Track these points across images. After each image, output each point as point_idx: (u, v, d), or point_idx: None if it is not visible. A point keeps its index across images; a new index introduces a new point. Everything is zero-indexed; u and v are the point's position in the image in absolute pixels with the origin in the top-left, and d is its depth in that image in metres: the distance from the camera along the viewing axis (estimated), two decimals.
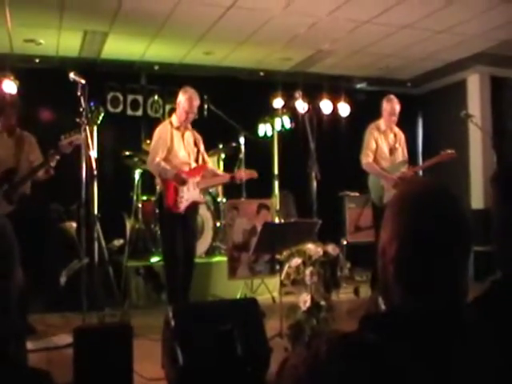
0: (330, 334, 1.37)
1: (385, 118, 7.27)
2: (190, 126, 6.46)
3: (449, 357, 1.30)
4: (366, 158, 7.19)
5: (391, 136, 7.29)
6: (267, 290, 7.39)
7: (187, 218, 6.27)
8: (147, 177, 8.28)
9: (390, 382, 1.27)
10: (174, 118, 6.42)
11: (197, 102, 6.35)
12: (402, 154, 7.33)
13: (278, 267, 6.69)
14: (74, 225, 6.88)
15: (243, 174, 6.70)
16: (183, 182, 6.15)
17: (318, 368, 1.32)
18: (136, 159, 8.09)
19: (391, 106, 7.20)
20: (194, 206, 6.38)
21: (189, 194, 6.22)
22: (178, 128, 6.35)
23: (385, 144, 7.25)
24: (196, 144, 6.51)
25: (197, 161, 6.51)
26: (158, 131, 6.36)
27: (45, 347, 5.16)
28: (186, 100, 6.28)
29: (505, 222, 1.71)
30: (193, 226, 6.51)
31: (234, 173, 6.79)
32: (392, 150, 7.25)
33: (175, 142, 6.30)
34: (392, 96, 7.31)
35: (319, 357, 1.32)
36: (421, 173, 7.61)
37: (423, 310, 1.35)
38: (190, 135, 6.46)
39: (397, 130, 7.39)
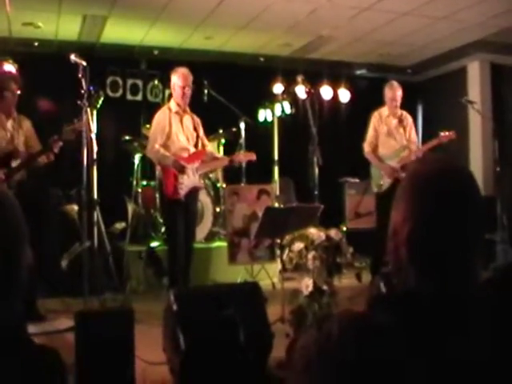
0: (341, 314, 1.36)
1: (387, 104, 7.32)
2: (188, 109, 6.40)
3: (457, 341, 1.29)
4: (366, 147, 7.33)
5: (394, 121, 7.29)
6: (267, 275, 7.38)
7: (188, 204, 6.22)
8: (147, 162, 8.25)
9: (400, 363, 1.26)
10: (172, 103, 6.36)
11: (190, 77, 6.29)
12: (406, 137, 7.31)
13: (278, 253, 6.71)
14: (76, 208, 6.87)
15: (242, 156, 6.74)
16: (182, 169, 6.11)
17: (329, 349, 1.31)
18: (136, 144, 8.07)
19: (393, 92, 7.23)
20: (194, 192, 6.34)
21: (188, 180, 6.17)
22: (176, 112, 6.29)
23: (386, 130, 7.28)
24: (195, 128, 6.45)
25: (196, 145, 6.45)
26: (157, 117, 6.32)
27: (45, 331, 5.14)
28: (178, 77, 6.25)
29: None
30: (193, 211, 6.47)
31: (233, 156, 6.76)
32: (394, 135, 7.26)
33: (174, 128, 6.24)
34: (393, 82, 7.34)
35: (331, 338, 1.31)
36: None
37: (436, 292, 1.34)
38: (188, 119, 6.39)
39: (402, 113, 7.40)
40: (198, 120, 6.51)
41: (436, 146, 7.19)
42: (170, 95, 9.33)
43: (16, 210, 1.46)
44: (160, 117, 6.29)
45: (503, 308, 1.40)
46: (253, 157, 6.59)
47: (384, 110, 7.35)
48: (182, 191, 6.11)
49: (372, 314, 1.36)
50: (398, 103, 7.27)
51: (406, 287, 1.39)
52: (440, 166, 1.45)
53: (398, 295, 1.42)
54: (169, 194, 6.12)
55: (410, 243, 1.37)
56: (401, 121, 7.34)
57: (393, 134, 7.27)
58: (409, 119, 7.43)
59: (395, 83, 7.31)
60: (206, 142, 6.63)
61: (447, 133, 7.18)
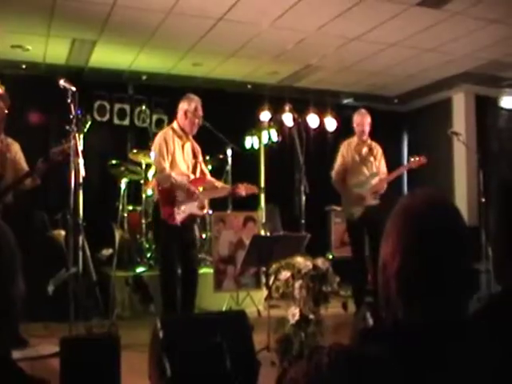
0: (331, 346, 1.36)
1: (356, 131, 7.36)
2: (191, 137, 6.28)
3: (449, 371, 1.30)
4: (334, 176, 7.35)
5: (364, 149, 7.33)
6: (253, 302, 7.37)
7: (184, 231, 6.03)
8: (133, 186, 8.25)
9: None
10: (176, 125, 6.21)
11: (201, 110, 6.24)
12: (376, 167, 7.36)
13: (264, 280, 6.67)
14: (63, 233, 6.82)
15: (244, 188, 6.31)
16: (192, 195, 5.99)
17: (319, 381, 1.31)
18: (122, 168, 8.05)
19: (361, 117, 7.32)
20: (191, 219, 6.16)
21: (186, 206, 6.00)
22: (180, 137, 6.15)
23: (357, 158, 7.29)
24: (195, 155, 6.33)
25: (194, 172, 6.30)
26: (163, 135, 6.13)
27: (28, 356, 5.07)
28: (194, 108, 6.15)
29: (505, 236, 1.71)
30: (191, 238, 6.26)
31: (235, 186, 6.45)
32: (365, 163, 7.28)
33: (176, 151, 6.09)
34: (362, 109, 7.44)
35: (321, 370, 1.31)
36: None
37: (426, 324, 1.35)
38: (189, 146, 6.26)
39: (372, 143, 7.43)
40: (198, 147, 6.38)
41: (407, 170, 7.30)
42: (158, 120, 9.44)
43: (9, 239, 1.44)
44: (166, 136, 6.10)
45: (494, 339, 1.42)
46: (255, 190, 6.44)
47: (353, 140, 7.39)
48: (179, 216, 5.93)
49: (361, 345, 1.37)
50: (366, 129, 7.30)
51: (395, 319, 1.39)
52: (429, 201, 1.47)
53: (387, 327, 1.43)
54: (165, 219, 5.93)
55: (399, 277, 1.38)
56: (371, 150, 7.37)
57: (364, 162, 7.29)
58: (379, 150, 7.45)
59: (364, 110, 7.39)
60: (205, 169, 6.50)
61: (417, 158, 7.26)
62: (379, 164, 7.40)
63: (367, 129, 7.32)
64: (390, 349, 1.31)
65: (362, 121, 7.28)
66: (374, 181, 7.23)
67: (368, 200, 7.10)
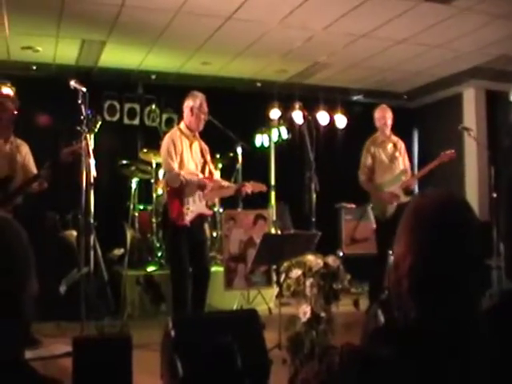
0: (342, 347, 1.36)
1: (379, 126, 7.36)
2: (197, 135, 6.28)
3: (462, 369, 1.30)
4: (361, 176, 7.28)
5: (390, 146, 7.32)
6: (264, 300, 7.38)
7: (194, 230, 6.01)
8: (144, 186, 8.27)
9: None
10: (183, 126, 6.22)
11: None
12: (402, 162, 7.35)
13: (274, 278, 6.67)
14: (74, 233, 6.85)
15: (251, 186, 6.27)
16: (205, 187, 6.03)
17: (331, 381, 1.32)
18: (133, 168, 8.08)
19: (382, 111, 7.34)
20: (200, 218, 6.15)
21: (194, 205, 5.99)
22: (187, 137, 6.15)
23: (383, 155, 7.27)
24: (203, 154, 6.32)
25: (203, 172, 6.29)
26: (170, 136, 6.13)
27: (40, 356, 5.09)
28: (200, 104, 6.14)
29: None
30: (201, 238, 6.24)
31: (241, 184, 6.44)
32: (392, 160, 7.27)
33: (184, 151, 6.10)
34: (383, 105, 7.44)
35: (332, 371, 1.32)
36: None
37: (438, 325, 1.35)
38: (197, 145, 6.26)
39: (396, 139, 7.44)
40: (206, 147, 6.36)
41: (438, 165, 7.24)
42: (168, 119, 9.44)
43: (22, 239, 1.45)
44: (173, 136, 6.11)
45: (506, 336, 1.42)
46: (263, 188, 6.39)
47: (377, 136, 7.38)
48: (188, 217, 5.92)
49: (373, 346, 1.37)
50: (388, 123, 7.31)
51: (406, 320, 1.40)
52: (441, 200, 1.47)
53: (398, 328, 1.43)
54: (174, 219, 5.92)
55: (411, 276, 1.39)
56: (395, 146, 7.37)
57: (392, 159, 7.28)
58: (402, 145, 7.46)
59: (384, 105, 7.42)
60: (213, 169, 6.48)
61: (447, 151, 7.24)
62: (403, 160, 7.40)
63: (389, 122, 7.32)
64: (401, 349, 1.31)
65: (384, 114, 7.29)
66: (405, 177, 7.24)
67: (401, 197, 7.09)
